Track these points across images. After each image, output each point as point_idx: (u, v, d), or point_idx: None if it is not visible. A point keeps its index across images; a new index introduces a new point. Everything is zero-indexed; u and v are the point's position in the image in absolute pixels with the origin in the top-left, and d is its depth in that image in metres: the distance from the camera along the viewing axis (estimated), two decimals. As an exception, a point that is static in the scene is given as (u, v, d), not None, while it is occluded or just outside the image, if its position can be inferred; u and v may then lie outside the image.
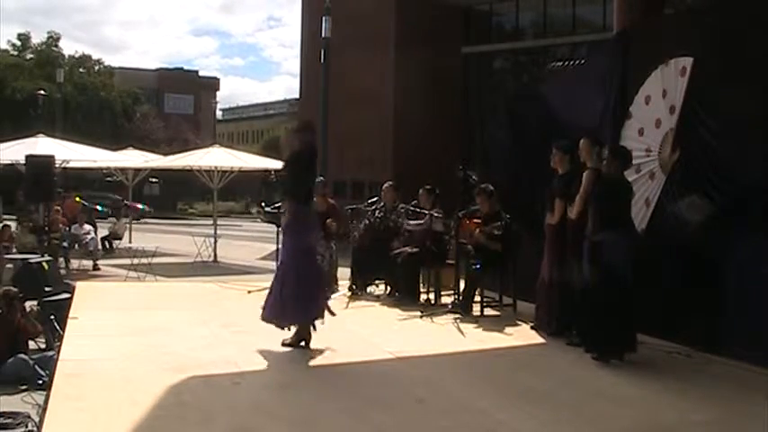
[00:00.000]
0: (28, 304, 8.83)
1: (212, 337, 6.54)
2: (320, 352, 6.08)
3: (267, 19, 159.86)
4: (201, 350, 6.00)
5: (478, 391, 5.23)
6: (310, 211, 6.46)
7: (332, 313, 6.34)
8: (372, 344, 6.56)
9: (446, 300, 8.37)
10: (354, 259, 9.33)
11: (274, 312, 6.15)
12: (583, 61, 16.24)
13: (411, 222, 8.91)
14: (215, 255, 17.91)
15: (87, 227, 16.57)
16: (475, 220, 8.03)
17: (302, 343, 6.20)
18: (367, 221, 9.39)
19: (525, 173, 8.74)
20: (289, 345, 6.18)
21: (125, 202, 19.56)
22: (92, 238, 16.19)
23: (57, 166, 13.52)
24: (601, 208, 6.01)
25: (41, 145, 16.34)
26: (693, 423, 4.73)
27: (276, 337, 6.27)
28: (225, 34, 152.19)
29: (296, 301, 6.09)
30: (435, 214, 8.56)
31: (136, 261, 14.27)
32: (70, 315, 7.20)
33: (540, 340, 6.86)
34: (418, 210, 8.82)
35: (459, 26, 25.33)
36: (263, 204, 7.78)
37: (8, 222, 15.51)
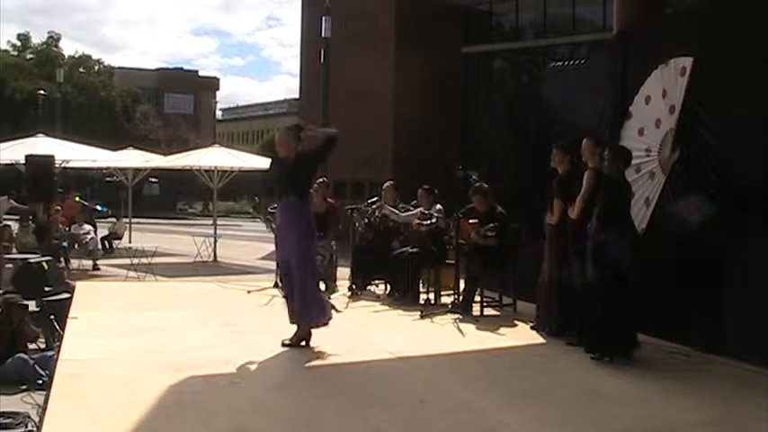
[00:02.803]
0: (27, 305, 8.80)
1: (212, 337, 6.55)
2: (320, 352, 6.09)
3: (267, 18, 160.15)
4: (201, 350, 6.00)
5: (478, 391, 5.23)
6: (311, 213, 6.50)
7: (337, 310, 6.38)
8: (372, 344, 6.55)
9: (446, 300, 8.37)
10: (354, 259, 9.34)
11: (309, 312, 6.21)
12: (583, 61, 16.22)
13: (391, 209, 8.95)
14: (215, 255, 17.91)
15: (87, 227, 16.57)
16: (471, 221, 8.01)
17: (302, 343, 6.21)
18: (367, 221, 9.39)
19: (525, 173, 8.74)
20: (288, 345, 6.19)
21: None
22: (91, 238, 16.18)
23: (57, 165, 13.52)
24: (603, 208, 6.01)
25: (41, 145, 16.33)
26: (693, 423, 4.73)
27: (276, 337, 6.27)
28: (224, 34, 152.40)
29: (316, 301, 6.24)
30: (435, 214, 8.57)
31: (136, 261, 14.26)
32: (70, 315, 7.20)
33: (540, 340, 6.86)
34: (411, 208, 8.85)
35: (459, 26, 25.31)
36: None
37: (8, 222, 15.49)
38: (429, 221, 8.50)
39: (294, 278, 6.24)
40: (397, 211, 9.01)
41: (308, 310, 6.20)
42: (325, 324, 6.29)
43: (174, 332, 6.70)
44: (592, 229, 6.06)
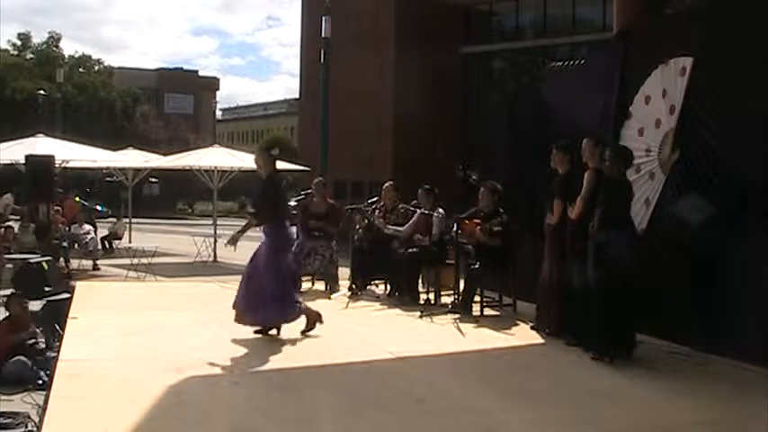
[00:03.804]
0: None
1: (212, 337, 6.54)
2: (320, 352, 6.09)
3: (267, 18, 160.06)
4: (201, 350, 5.99)
5: (478, 391, 5.23)
6: (288, 233, 6.72)
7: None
8: (372, 344, 6.56)
9: (446, 300, 8.36)
10: (354, 259, 9.33)
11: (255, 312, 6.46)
12: (583, 61, 16.21)
13: (392, 228, 8.90)
14: (215, 255, 17.91)
15: (87, 227, 16.58)
16: (475, 221, 8.03)
17: (273, 331, 6.48)
18: (367, 221, 9.39)
19: (525, 173, 8.74)
20: (260, 332, 6.48)
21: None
22: (91, 238, 16.20)
23: (57, 165, 13.52)
24: (604, 208, 6.01)
25: (41, 145, 16.34)
26: (693, 423, 4.74)
27: (276, 338, 6.28)
28: (224, 34, 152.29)
29: (276, 300, 6.42)
30: (436, 215, 8.57)
31: (136, 261, 14.28)
32: (70, 315, 7.20)
33: (540, 340, 6.86)
34: (414, 209, 8.82)
35: (459, 26, 25.32)
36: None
37: (10, 223, 15.52)
38: (429, 236, 8.47)
39: (253, 280, 6.49)
40: (396, 228, 8.95)
41: (267, 306, 6.39)
42: (285, 322, 6.52)
43: (174, 332, 6.70)
44: (593, 229, 6.06)
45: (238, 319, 6.51)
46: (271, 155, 6.66)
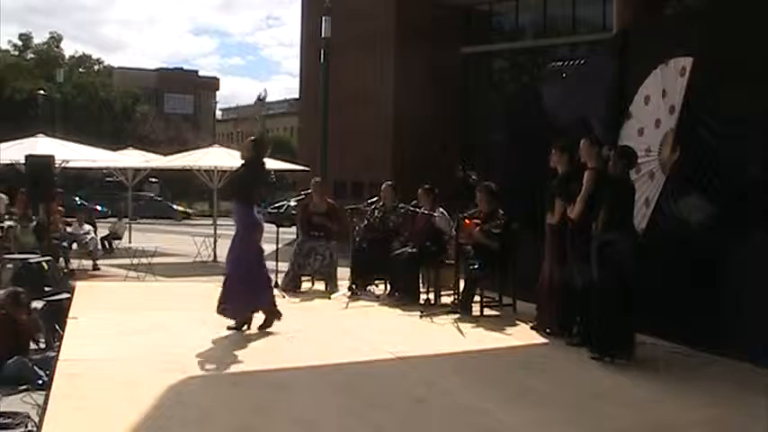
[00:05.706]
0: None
1: (212, 337, 6.54)
2: (320, 352, 6.09)
3: (266, 18, 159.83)
4: (201, 350, 6.00)
5: (478, 391, 5.23)
6: (256, 217, 6.87)
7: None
8: (372, 344, 6.56)
9: (446, 300, 8.37)
10: (354, 259, 9.33)
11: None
12: (583, 61, 16.21)
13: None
14: (215, 255, 17.90)
15: (87, 227, 16.58)
16: (474, 221, 8.04)
17: (245, 327, 6.65)
18: (367, 221, 9.39)
19: (525, 173, 8.74)
20: (234, 328, 6.65)
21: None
22: (91, 238, 16.19)
23: (57, 166, 13.51)
24: (608, 208, 6.00)
25: (41, 145, 16.31)
26: (693, 423, 4.74)
27: (276, 337, 6.27)
28: (224, 33, 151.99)
29: (247, 291, 6.68)
30: (436, 214, 8.57)
31: (136, 261, 14.27)
32: (70, 315, 7.20)
33: (540, 340, 6.87)
34: (414, 209, 8.82)
35: (459, 26, 25.31)
36: (260, 204, 7.91)
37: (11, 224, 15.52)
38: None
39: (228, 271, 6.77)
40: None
41: (242, 297, 6.68)
42: (255, 311, 6.77)
43: (174, 332, 6.70)
44: (596, 229, 6.06)
45: (219, 312, 6.75)
46: (252, 146, 6.94)
